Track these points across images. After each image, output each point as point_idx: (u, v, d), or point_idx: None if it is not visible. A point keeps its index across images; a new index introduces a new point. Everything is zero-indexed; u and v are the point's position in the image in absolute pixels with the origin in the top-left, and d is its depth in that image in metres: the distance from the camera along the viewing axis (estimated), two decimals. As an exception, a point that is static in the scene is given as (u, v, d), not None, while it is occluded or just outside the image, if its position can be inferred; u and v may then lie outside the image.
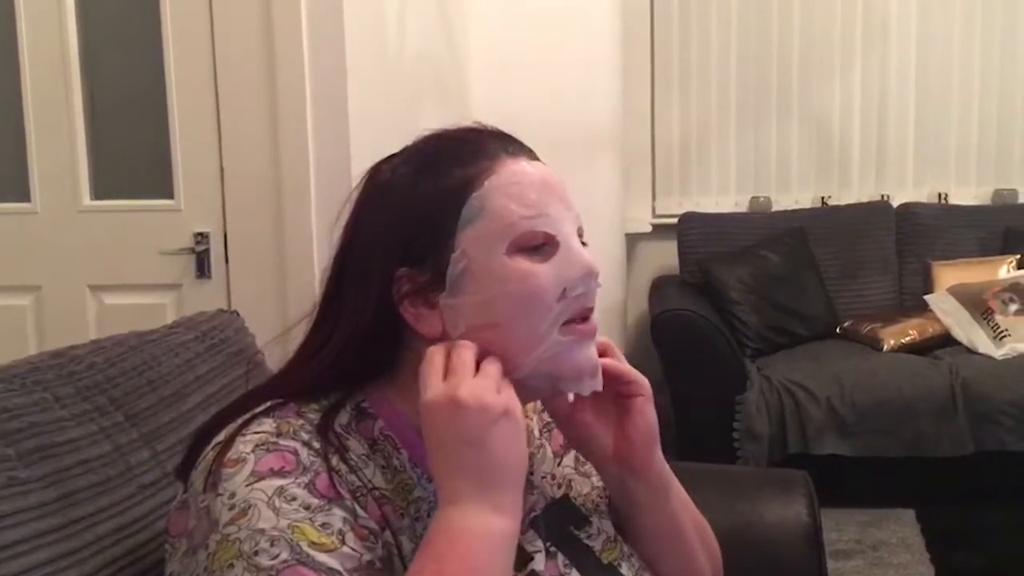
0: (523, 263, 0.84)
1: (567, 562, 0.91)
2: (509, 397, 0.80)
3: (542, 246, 0.85)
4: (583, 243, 0.89)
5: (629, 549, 0.97)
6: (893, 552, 2.83)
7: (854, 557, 2.81)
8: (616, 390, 0.93)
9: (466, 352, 0.81)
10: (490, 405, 0.78)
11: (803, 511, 1.42)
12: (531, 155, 0.90)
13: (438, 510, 0.78)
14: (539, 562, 0.89)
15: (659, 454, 0.96)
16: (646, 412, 0.94)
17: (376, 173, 0.92)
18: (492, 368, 0.81)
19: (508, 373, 0.83)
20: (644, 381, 0.94)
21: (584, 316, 0.87)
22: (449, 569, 0.74)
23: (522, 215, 0.84)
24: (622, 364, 0.94)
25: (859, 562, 2.79)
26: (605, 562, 0.94)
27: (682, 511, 1.01)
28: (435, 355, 0.82)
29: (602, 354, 0.92)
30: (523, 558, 0.89)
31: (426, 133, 0.92)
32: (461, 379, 0.79)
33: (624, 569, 0.94)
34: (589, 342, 0.87)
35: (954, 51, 4.04)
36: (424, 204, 0.85)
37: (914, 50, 4.06)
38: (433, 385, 0.79)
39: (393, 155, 0.93)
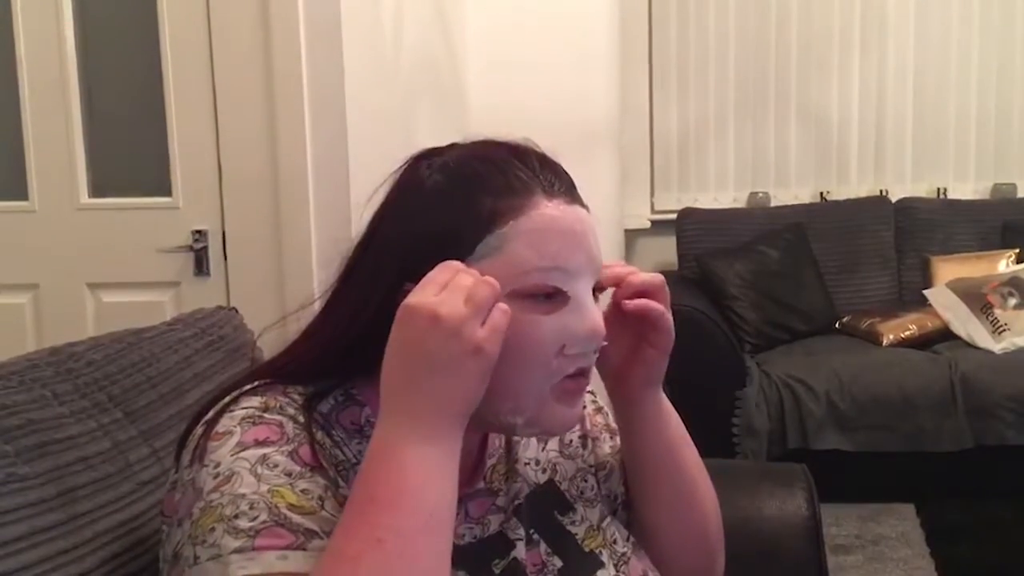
0: (524, 312, 0.81)
1: (549, 550, 0.92)
2: (490, 340, 0.76)
3: (551, 296, 0.83)
4: (597, 292, 0.87)
5: (612, 536, 0.98)
6: (893, 547, 2.84)
7: (854, 552, 2.82)
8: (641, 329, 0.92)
9: (469, 280, 0.77)
10: (465, 337, 0.74)
11: (803, 505, 1.41)
12: (570, 195, 0.86)
13: (378, 421, 0.77)
14: (520, 550, 0.90)
15: (657, 393, 0.96)
16: (650, 361, 0.93)
17: (415, 168, 0.88)
18: (498, 315, 0.77)
19: (490, 415, 0.82)
20: (665, 330, 0.92)
21: (578, 374, 0.85)
22: (380, 493, 0.73)
23: (536, 266, 0.81)
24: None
25: (859, 557, 2.79)
26: (587, 550, 0.94)
27: (683, 445, 1.00)
28: (445, 269, 0.78)
29: (643, 294, 0.91)
30: (505, 545, 0.90)
31: (475, 139, 0.89)
32: (450, 299, 0.75)
33: (605, 557, 0.95)
34: (575, 400, 0.86)
35: (952, 46, 4.04)
36: (444, 227, 0.83)
37: (912, 45, 4.06)
38: (424, 292, 0.76)
39: (438, 151, 0.89)
